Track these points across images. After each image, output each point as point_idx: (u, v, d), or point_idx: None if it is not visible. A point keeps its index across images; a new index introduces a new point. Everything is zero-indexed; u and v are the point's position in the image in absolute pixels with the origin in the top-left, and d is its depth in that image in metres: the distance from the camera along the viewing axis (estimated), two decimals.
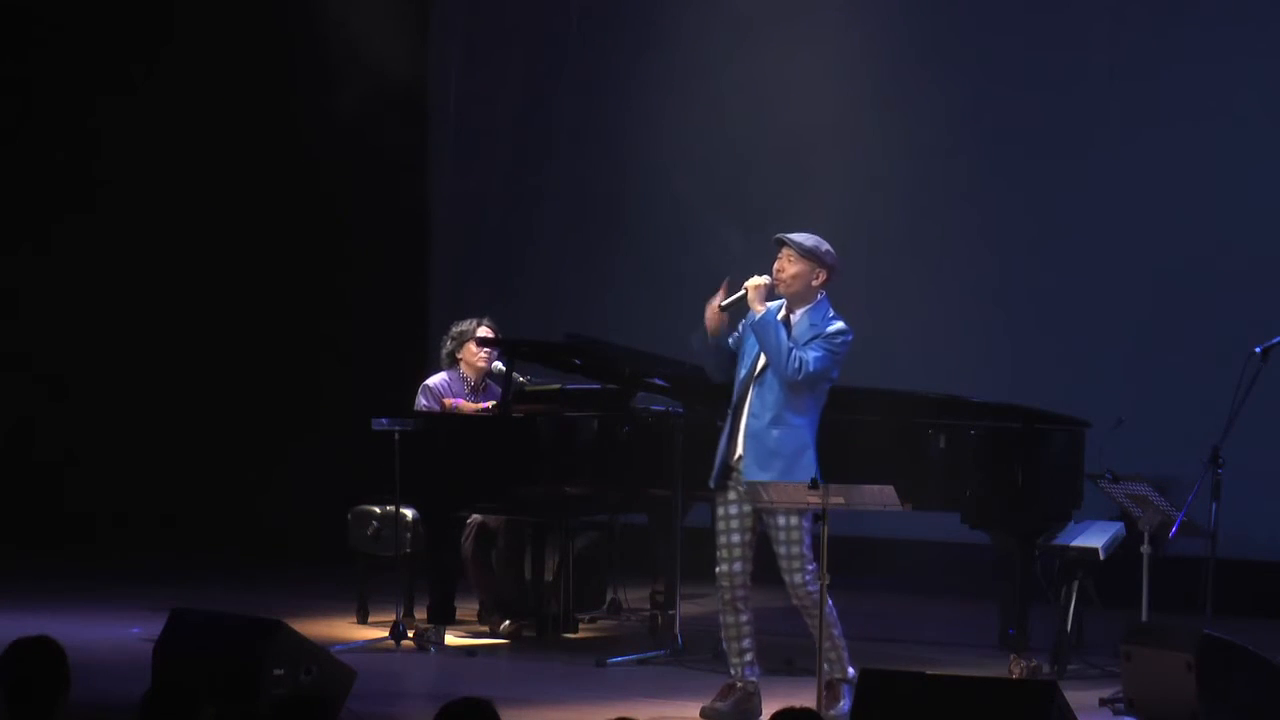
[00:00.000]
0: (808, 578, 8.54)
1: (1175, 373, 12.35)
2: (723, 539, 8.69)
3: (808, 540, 8.57)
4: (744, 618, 8.73)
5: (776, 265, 8.65)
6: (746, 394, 8.64)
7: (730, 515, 8.68)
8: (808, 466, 8.54)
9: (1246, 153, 12.45)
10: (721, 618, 8.78)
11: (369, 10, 14.55)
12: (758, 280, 8.59)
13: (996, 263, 13.07)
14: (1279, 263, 12.26)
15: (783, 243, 8.67)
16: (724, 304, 8.63)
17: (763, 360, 8.61)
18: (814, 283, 8.66)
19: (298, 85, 14.64)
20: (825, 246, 8.67)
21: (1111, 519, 10.22)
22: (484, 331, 11.11)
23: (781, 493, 8.33)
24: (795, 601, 8.62)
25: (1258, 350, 9.18)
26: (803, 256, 8.62)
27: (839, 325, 8.62)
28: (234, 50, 14.68)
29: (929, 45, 13.29)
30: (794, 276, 8.63)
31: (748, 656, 8.77)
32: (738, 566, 8.68)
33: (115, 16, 14.86)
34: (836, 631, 8.64)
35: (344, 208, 14.68)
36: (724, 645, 8.83)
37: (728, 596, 8.71)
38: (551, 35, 14.64)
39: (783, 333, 8.53)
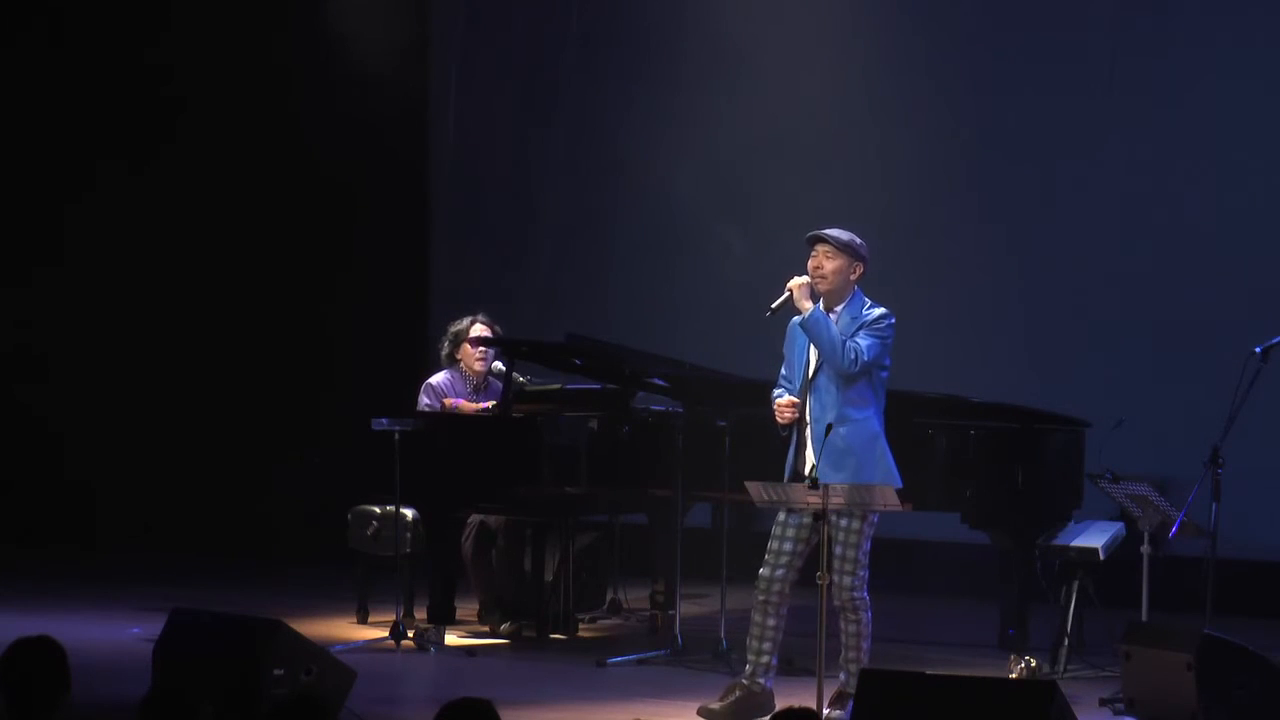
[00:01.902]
0: (856, 582, 8.50)
1: (1175, 373, 12.35)
2: (775, 544, 8.62)
3: (866, 545, 8.53)
4: (771, 621, 8.68)
5: (813, 263, 8.57)
6: (805, 402, 8.59)
7: (789, 523, 8.60)
8: (882, 457, 8.51)
9: (1247, 152, 12.44)
10: (752, 614, 8.74)
11: (370, 13, 14.56)
12: (800, 279, 8.53)
13: (996, 263, 13.07)
14: (1278, 262, 12.25)
15: (819, 239, 8.62)
16: (772, 308, 8.58)
17: (813, 365, 8.58)
18: (851, 277, 8.63)
19: (298, 88, 14.64)
20: (859, 240, 8.64)
21: (1111, 519, 10.22)
22: (479, 329, 11.09)
23: (783, 492, 8.32)
24: (836, 602, 8.52)
25: (1258, 350, 9.17)
26: (840, 251, 8.58)
27: (880, 310, 8.59)
28: (234, 53, 14.67)
29: (929, 48, 13.28)
30: (833, 272, 8.57)
31: (764, 659, 8.71)
32: (780, 573, 8.61)
33: (117, 21, 14.86)
34: (865, 645, 8.62)
35: (344, 208, 14.67)
36: (747, 641, 8.79)
37: (762, 599, 8.66)
38: (552, 36, 14.63)
39: (833, 326, 8.48)
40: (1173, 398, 12.18)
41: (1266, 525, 11.83)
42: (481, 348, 11.05)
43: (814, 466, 8.46)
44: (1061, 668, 9.80)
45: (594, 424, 10.54)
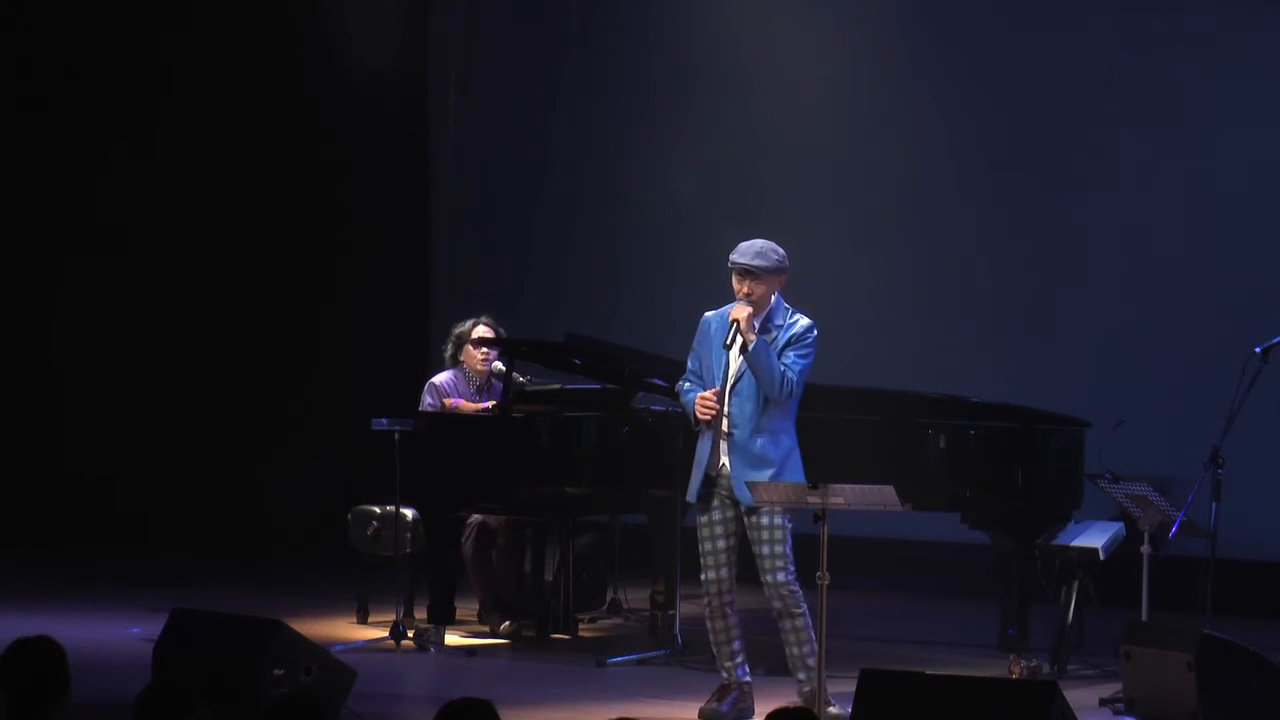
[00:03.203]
0: (789, 577, 8.55)
1: (1175, 373, 12.35)
2: (707, 545, 8.69)
3: (790, 541, 8.59)
4: (732, 620, 8.75)
5: (745, 289, 8.57)
6: (721, 407, 8.64)
7: (714, 522, 8.68)
8: (795, 467, 8.58)
9: (1246, 152, 12.43)
10: (709, 623, 8.79)
11: (371, 12, 14.56)
12: (745, 310, 8.54)
13: (996, 263, 13.07)
14: (1278, 262, 12.25)
15: (747, 271, 8.62)
16: (725, 344, 8.59)
17: (734, 370, 8.60)
18: (777, 290, 8.68)
19: (298, 87, 14.64)
20: (779, 253, 8.64)
21: (1111, 519, 10.22)
22: (482, 330, 11.11)
23: (781, 492, 8.34)
24: (776, 603, 8.58)
25: (1258, 350, 9.19)
26: (767, 275, 8.60)
27: (804, 322, 8.63)
28: (233, 51, 14.68)
29: (927, 50, 13.27)
30: (763, 295, 8.61)
31: (739, 658, 8.77)
32: (724, 573, 8.69)
33: (118, 18, 14.86)
34: (812, 635, 8.57)
35: (345, 207, 14.67)
36: (714, 650, 8.83)
37: (716, 603, 8.72)
38: (552, 35, 14.63)
39: (774, 356, 8.54)
40: (1173, 398, 12.17)
41: (1266, 525, 11.83)
42: (484, 349, 11.06)
43: (724, 467, 8.57)
44: (1061, 668, 9.80)
45: (594, 424, 10.54)
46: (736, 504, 8.59)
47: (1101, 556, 9.93)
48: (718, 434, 8.63)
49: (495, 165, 14.82)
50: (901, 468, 9.31)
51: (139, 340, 14.86)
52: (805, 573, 8.54)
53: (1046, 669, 9.74)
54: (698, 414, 8.63)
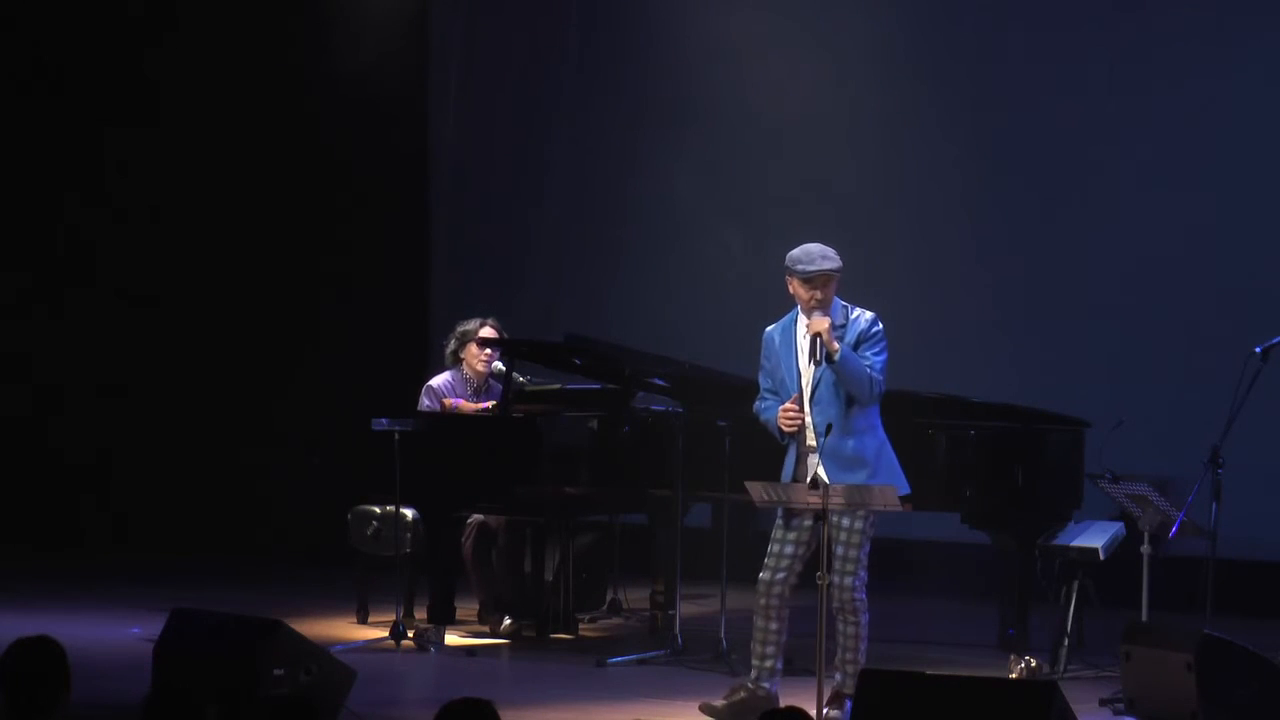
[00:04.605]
0: (857, 583, 8.51)
1: (1175, 373, 12.35)
2: (775, 548, 8.62)
3: (867, 546, 8.54)
4: (774, 625, 8.66)
5: (819, 295, 8.49)
6: (804, 417, 8.56)
7: (789, 526, 8.58)
8: (890, 463, 8.55)
9: (1246, 152, 12.44)
10: (755, 619, 8.71)
11: (369, 11, 14.56)
12: (824, 322, 8.49)
13: (996, 263, 13.07)
14: (1278, 262, 12.26)
15: (821, 275, 8.55)
16: (816, 360, 8.50)
17: (806, 375, 8.55)
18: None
19: (298, 89, 14.64)
20: (834, 250, 8.63)
21: (1111, 519, 10.22)
22: (488, 332, 11.11)
23: (784, 493, 8.32)
24: (834, 604, 8.53)
25: (1258, 350, 9.18)
26: (836, 276, 8.57)
27: (869, 315, 8.61)
28: (233, 52, 14.68)
29: (926, 53, 13.28)
30: (831, 295, 8.59)
31: (768, 663, 8.68)
32: (780, 576, 8.61)
33: (119, 22, 14.87)
34: (863, 646, 8.60)
35: (345, 207, 14.67)
36: (751, 645, 8.77)
37: (763, 603, 8.64)
38: (552, 37, 14.63)
39: (860, 363, 8.50)
40: (1173, 398, 12.18)
41: (1266, 525, 11.83)
42: (486, 350, 11.05)
43: (815, 476, 8.45)
44: (1061, 668, 9.80)
45: (594, 424, 10.54)
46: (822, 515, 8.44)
47: (1101, 556, 9.93)
48: (802, 446, 8.57)
49: (495, 166, 14.82)
50: (902, 468, 9.29)
51: (140, 340, 14.85)
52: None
53: (1046, 669, 9.74)
54: (782, 427, 8.55)
